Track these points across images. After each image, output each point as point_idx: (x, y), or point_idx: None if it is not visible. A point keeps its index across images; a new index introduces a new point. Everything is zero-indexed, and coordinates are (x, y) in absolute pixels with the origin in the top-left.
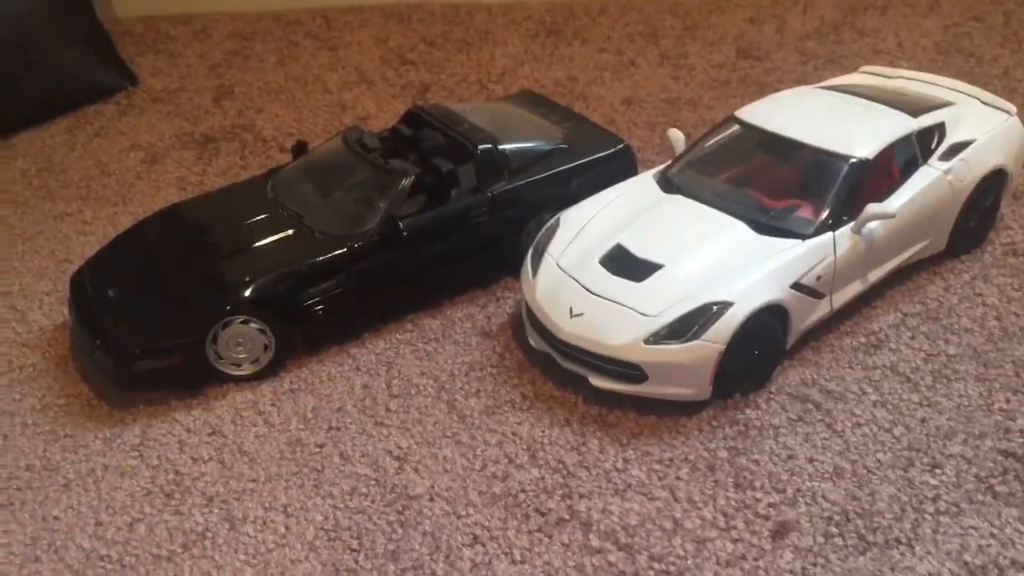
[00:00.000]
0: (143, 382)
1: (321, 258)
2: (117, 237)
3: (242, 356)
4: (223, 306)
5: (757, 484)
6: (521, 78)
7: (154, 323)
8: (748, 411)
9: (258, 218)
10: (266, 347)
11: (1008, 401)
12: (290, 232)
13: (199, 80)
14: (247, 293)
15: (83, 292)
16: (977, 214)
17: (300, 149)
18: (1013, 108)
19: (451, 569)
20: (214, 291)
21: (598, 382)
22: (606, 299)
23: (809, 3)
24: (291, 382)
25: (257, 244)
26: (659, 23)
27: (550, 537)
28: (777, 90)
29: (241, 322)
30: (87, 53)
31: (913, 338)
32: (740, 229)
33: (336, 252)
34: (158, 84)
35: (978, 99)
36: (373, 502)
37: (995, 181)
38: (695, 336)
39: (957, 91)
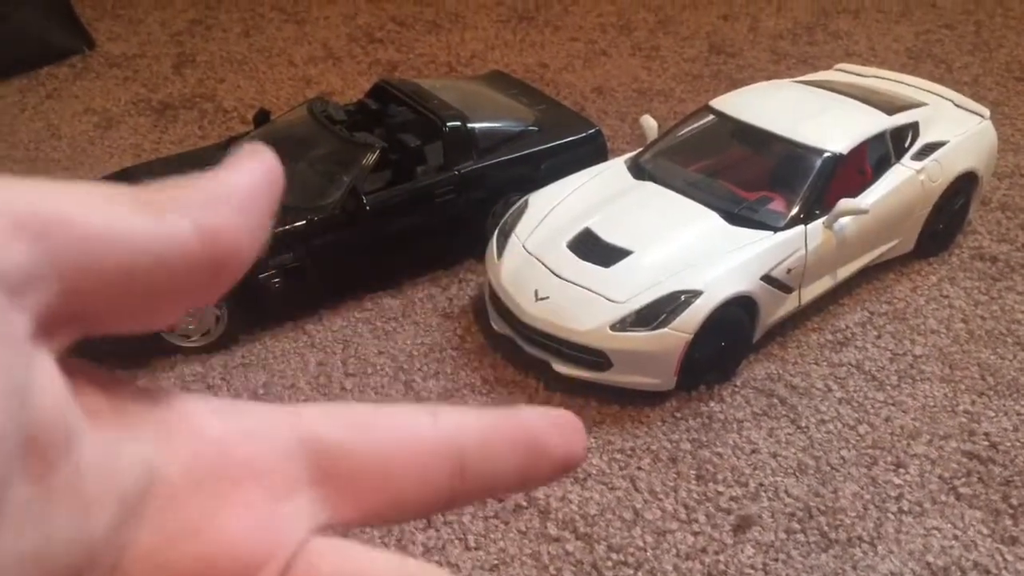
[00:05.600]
0: (83, 349)
1: (279, 229)
2: None
3: (192, 327)
4: None
5: (720, 477)
6: (491, 62)
7: None
8: (712, 404)
9: None
10: (217, 319)
11: (973, 403)
12: None
13: (159, 47)
14: None
15: None
16: (946, 216)
17: (262, 118)
18: (986, 112)
19: (402, 553)
20: None
21: (561, 368)
22: (573, 283)
23: (782, 3)
24: (243, 356)
25: None
26: (632, 15)
27: (506, 524)
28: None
29: None
30: (42, 13)
31: (879, 337)
32: (711, 218)
33: (295, 224)
34: (116, 49)
35: (951, 101)
36: None
37: (966, 184)
38: (663, 324)
39: (931, 92)
